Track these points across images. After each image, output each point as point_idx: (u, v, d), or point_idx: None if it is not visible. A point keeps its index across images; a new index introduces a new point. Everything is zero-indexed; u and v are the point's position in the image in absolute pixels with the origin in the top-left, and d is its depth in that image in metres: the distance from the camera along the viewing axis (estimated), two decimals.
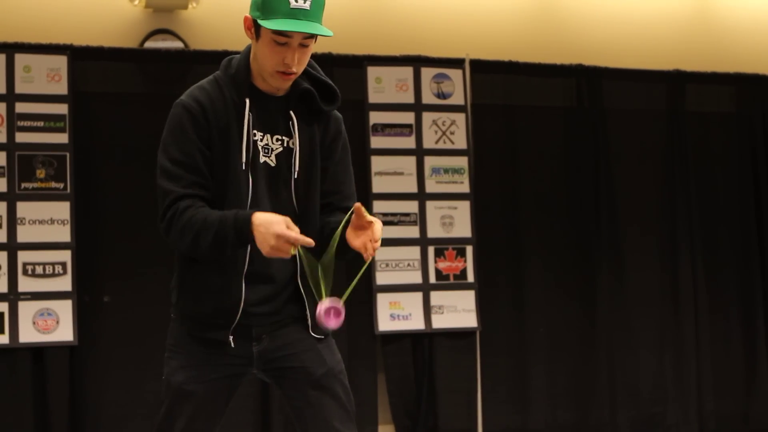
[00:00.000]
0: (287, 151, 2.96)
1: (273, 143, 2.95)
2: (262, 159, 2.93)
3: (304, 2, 2.80)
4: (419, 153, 6.52)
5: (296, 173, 2.95)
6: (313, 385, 2.99)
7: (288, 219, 2.74)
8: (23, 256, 5.86)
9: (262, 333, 2.98)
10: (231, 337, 2.93)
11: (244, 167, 2.90)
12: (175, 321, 3.05)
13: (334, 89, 3.03)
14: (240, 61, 2.94)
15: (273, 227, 2.70)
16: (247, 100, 2.91)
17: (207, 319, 2.94)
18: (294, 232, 2.71)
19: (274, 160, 2.95)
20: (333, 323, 2.77)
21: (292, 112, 2.97)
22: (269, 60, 2.86)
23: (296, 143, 2.95)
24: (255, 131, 2.92)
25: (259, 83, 2.95)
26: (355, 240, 2.85)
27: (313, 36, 2.85)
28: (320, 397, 2.98)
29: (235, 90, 2.91)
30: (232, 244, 2.78)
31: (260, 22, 2.82)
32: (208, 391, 2.97)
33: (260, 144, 2.93)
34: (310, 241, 2.73)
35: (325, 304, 2.77)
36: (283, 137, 2.96)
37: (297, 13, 2.80)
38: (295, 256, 2.83)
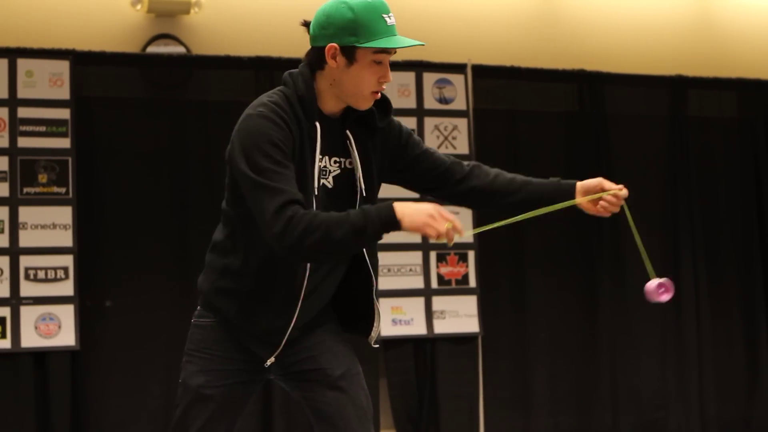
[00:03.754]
0: (345, 172, 2.97)
1: (331, 165, 2.95)
2: (321, 181, 2.93)
3: (393, 19, 2.91)
4: None
5: (363, 191, 2.97)
6: (332, 387, 3.02)
7: (434, 208, 2.74)
8: (25, 261, 5.86)
9: (288, 342, 3.00)
10: (273, 358, 2.97)
11: (316, 192, 2.88)
12: (203, 326, 3.02)
13: (389, 101, 3.06)
14: (305, 82, 2.91)
15: (424, 206, 2.73)
16: (318, 125, 2.90)
17: (260, 335, 2.96)
18: (445, 217, 2.73)
19: (331, 182, 2.95)
20: (665, 297, 2.99)
21: (349, 132, 2.98)
22: (367, 82, 2.88)
23: (356, 163, 2.96)
24: (319, 155, 2.93)
25: (323, 106, 2.94)
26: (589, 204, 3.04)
27: (396, 51, 2.92)
28: (338, 398, 3.01)
29: (303, 111, 2.89)
30: (374, 231, 2.73)
31: (362, 45, 2.83)
32: (225, 395, 2.99)
33: (321, 167, 2.93)
34: (457, 225, 2.75)
35: (655, 281, 2.98)
36: (340, 159, 2.97)
37: (394, 30, 2.89)
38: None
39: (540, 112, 6.89)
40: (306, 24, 2.95)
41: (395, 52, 2.93)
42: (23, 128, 5.94)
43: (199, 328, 3.03)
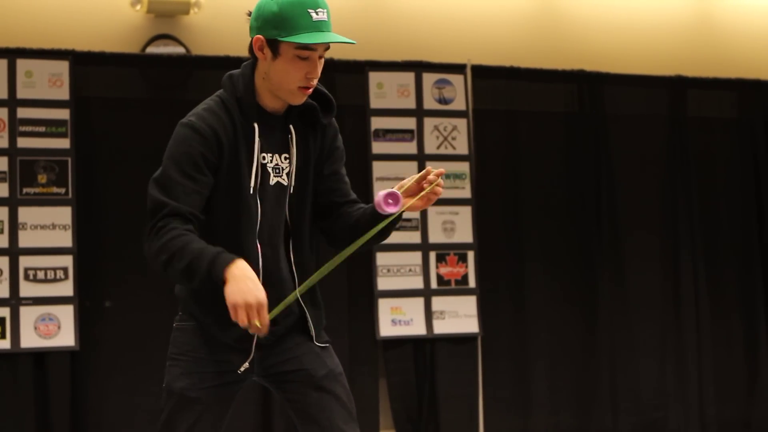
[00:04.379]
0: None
1: (282, 162, 2.96)
2: (274, 180, 2.94)
3: (323, 14, 2.85)
4: (421, 158, 6.52)
5: (291, 188, 2.97)
6: (315, 387, 3.00)
7: (262, 298, 2.70)
8: (25, 261, 5.86)
9: (264, 344, 2.99)
10: (247, 364, 2.96)
11: (251, 191, 2.90)
12: (184, 330, 3.03)
13: (331, 99, 3.05)
14: (244, 82, 2.93)
15: (252, 290, 2.69)
16: (256, 125, 2.92)
17: (231, 342, 2.96)
18: (261, 314, 2.70)
19: (285, 179, 2.96)
20: (392, 208, 2.85)
21: (291, 127, 2.98)
22: (291, 76, 2.87)
23: (292, 158, 2.97)
24: (264, 154, 2.93)
25: (264, 103, 2.95)
26: (418, 201, 2.88)
27: (328, 47, 2.88)
28: (322, 398, 3.00)
29: (241, 113, 2.91)
30: (200, 278, 2.75)
31: (283, 39, 2.83)
32: (210, 397, 2.98)
33: (270, 166, 2.94)
34: (264, 330, 2.72)
35: (383, 191, 2.85)
36: (275, 156, 2.97)
37: (320, 25, 2.83)
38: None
39: (540, 112, 6.89)
40: (250, 14, 2.97)
41: (328, 48, 2.89)
42: (23, 128, 5.94)
43: (181, 332, 3.04)
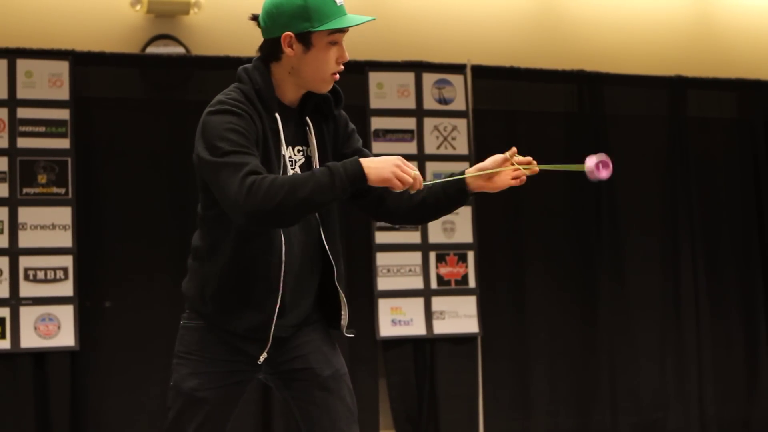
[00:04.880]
0: (308, 161, 3.00)
1: (295, 155, 2.98)
2: (290, 171, 2.95)
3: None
4: (421, 158, 6.52)
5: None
6: (320, 387, 3.01)
7: (399, 160, 2.77)
8: (25, 262, 5.86)
9: (280, 340, 3.00)
10: (265, 354, 2.96)
11: None
12: (192, 328, 3.02)
13: (339, 91, 3.07)
14: (261, 76, 2.94)
15: (389, 158, 2.76)
16: (278, 116, 2.93)
17: (245, 333, 2.95)
18: (409, 166, 2.78)
19: (298, 172, 2.97)
20: (605, 173, 3.00)
21: (308, 119, 3.01)
22: (326, 65, 2.92)
23: (314, 150, 2.99)
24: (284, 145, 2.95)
25: (282, 97, 2.97)
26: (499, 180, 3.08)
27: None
28: (326, 398, 3.01)
29: (262, 104, 2.91)
30: (340, 186, 2.71)
31: (317, 29, 2.87)
32: (218, 397, 2.98)
33: (287, 157, 2.95)
34: (419, 182, 2.79)
35: (593, 158, 2.99)
36: (303, 147, 3.00)
37: (344, 9, 2.93)
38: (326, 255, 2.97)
39: (539, 112, 6.89)
40: (254, 17, 2.98)
41: (345, 32, 2.96)
42: (23, 129, 5.94)
43: (188, 330, 3.03)
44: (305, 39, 2.89)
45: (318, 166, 2.94)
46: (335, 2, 2.90)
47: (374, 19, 2.97)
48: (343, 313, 3.04)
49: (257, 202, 2.67)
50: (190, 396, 2.96)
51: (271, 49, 2.93)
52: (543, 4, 7.16)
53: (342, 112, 3.11)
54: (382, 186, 2.77)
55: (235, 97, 2.88)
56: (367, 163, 2.74)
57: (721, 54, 7.38)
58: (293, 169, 2.96)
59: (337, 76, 2.96)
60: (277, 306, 2.92)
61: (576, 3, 7.18)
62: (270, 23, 2.91)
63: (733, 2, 7.48)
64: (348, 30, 2.93)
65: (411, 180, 2.75)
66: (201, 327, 3.00)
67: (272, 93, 2.93)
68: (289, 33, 2.88)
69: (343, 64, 3.00)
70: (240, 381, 3.02)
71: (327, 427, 2.98)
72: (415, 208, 3.06)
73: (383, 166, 2.74)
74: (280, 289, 2.91)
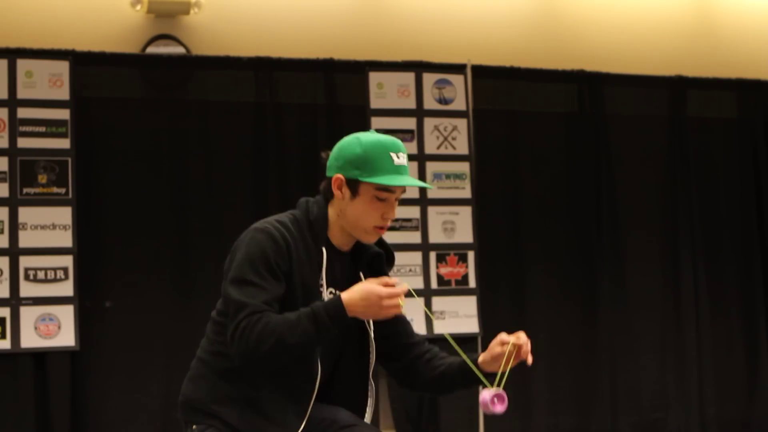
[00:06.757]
0: None
1: (328, 296, 2.99)
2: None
3: (403, 159, 2.97)
4: (421, 158, 6.51)
5: (372, 330, 3.09)
6: (343, 426, 2.99)
7: (380, 290, 2.81)
8: (25, 262, 5.86)
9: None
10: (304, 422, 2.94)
11: None
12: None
13: (391, 250, 3.15)
14: (319, 209, 2.99)
15: (373, 293, 2.80)
16: (324, 250, 2.97)
17: (287, 396, 2.94)
18: (392, 286, 2.83)
19: None
20: (499, 408, 2.94)
21: (361, 274, 3.06)
22: (369, 216, 2.95)
23: None
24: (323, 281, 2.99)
25: (332, 237, 3.01)
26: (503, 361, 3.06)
27: (405, 190, 2.99)
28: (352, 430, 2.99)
29: (311, 235, 2.96)
30: (325, 330, 2.79)
31: (364, 179, 2.91)
32: None
33: (324, 293, 2.98)
34: (405, 287, 2.86)
35: (491, 391, 2.94)
36: (337, 291, 2.99)
37: (400, 169, 2.95)
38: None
39: (540, 112, 6.89)
40: (326, 155, 3.05)
41: (404, 191, 3.00)
42: (23, 129, 5.94)
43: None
44: (353, 186, 2.94)
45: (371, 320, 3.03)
46: (392, 160, 2.93)
47: (431, 188, 3.02)
48: (369, 402, 3.11)
49: (247, 346, 2.78)
50: None
51: (327, 187, 2.99)
52: (543, 4, 7.16)
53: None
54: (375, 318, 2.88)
55: (284, 222, 2.95)
56: (349, 301, 2.79)
57: (721, 54, 7.38)
58: None
59: (383, 231, 3.00)
60: (311, 405, 2.94)
61: (576, 3, 7.18)
62: (331, 162, 2.98)
63: (733, 2, 7.49)
64: (397, 191, 2.96)
65: (399, 303, 2.81)
66: (220, 428, 2.95)
67: (324, 226, 2.98)
68: (340, 176, 2.94)
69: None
70: None
71: None
72: (435, 379, 3.28)
73: (368, 304, 2.80)
74: (315, 391, 2.95)
